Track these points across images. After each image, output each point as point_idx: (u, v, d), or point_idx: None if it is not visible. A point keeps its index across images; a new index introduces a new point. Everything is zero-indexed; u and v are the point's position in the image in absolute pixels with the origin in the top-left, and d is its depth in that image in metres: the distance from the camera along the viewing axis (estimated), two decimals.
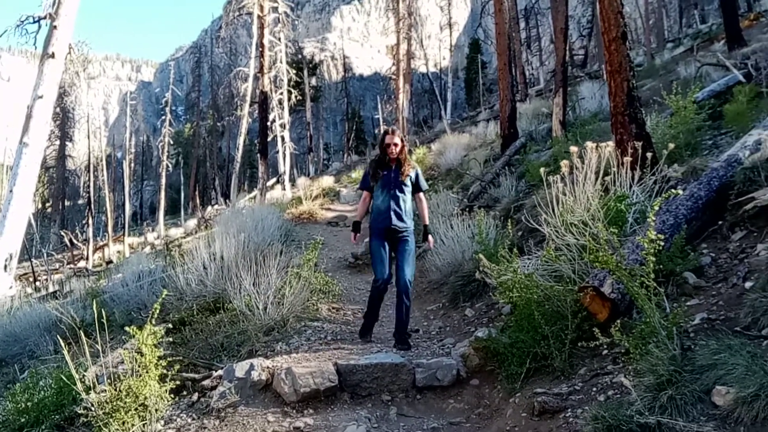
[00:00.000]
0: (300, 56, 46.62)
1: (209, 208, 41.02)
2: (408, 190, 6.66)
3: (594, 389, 4.39)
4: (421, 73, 56.93)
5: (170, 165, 49.78)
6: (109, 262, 30.33)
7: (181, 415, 5.16)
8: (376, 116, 43.52)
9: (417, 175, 6.77)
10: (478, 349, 5.67)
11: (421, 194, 6.88)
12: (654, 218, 4.25)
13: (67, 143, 59.42)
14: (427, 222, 6.98)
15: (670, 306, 4.52)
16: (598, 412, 3.82)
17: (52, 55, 13.59)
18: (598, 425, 3.74)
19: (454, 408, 5.17)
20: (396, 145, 6.62)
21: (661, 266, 4.90)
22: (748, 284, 4.67)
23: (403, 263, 6.42)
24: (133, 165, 62.44)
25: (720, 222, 5.86)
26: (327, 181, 31.52)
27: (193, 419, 5.03)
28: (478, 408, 5.11)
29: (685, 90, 9.61)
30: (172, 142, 50.42)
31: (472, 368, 5.62)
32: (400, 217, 6.54)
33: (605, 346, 4.64)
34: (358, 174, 32.70)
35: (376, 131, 45.12)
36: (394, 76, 37.08)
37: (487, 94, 53.34)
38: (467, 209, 10.87)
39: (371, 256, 6.61)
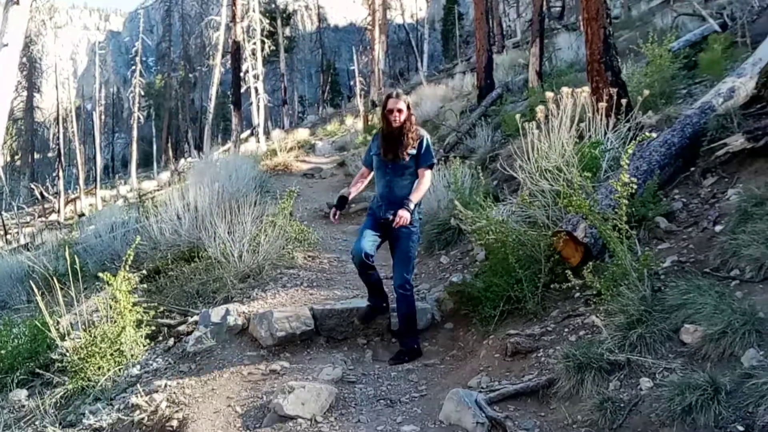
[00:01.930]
0: (273, 5, 45.59)
1: (182, 160, 40.51)
2: (410, 171, 5.15)
3: (566, 330, 4.47)
4: (397, 24, 56.16)
5: (142, 117, 48.90)
6: (81, 215, 29.96)
7: (157, 359, 5.17)
8: (352, 68, 42.91)
9: (423, 147, 5.15)
10: (452, 294, 5.74)
11: (426, 170, 5.17)
12: (627, 162, 4.27)
13: (34, 94, 57.95)
14: (413, 198, 5.08)
15: (641, 249, 4.59)
16: (569, 351, 3.90)
17: (17, 2, 13.13)
18: (569, 363, 3.82)
19: (429, 350, 5.25)
20: (400, 111, 5.06)
21: (633, 211, 4.96)
22: (718, 228, 4.75)
23: (397, 261, 5.17)
24: (103, 117, 61.24)
25: (692, 168, 5.92)
26: (302, 133, 31.20)
27: (170, 363, 5.05)
28: (452, 350, 5.19)
29: (661, 39, 9.59)
30: (143, 94, 49.42)
31: (446, 312, 5.69)
32: (395, 208, 5.02)
33: (577, 289, 4.72)
34: (333, 127, 32.45)
35: (352, 83, 44.64)
36: (369, 27, 36.51)
37: (464, 46, 52.82)
38: (443, 159, 10.85)
39: (359, 233, 5.36)
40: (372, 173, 5.46)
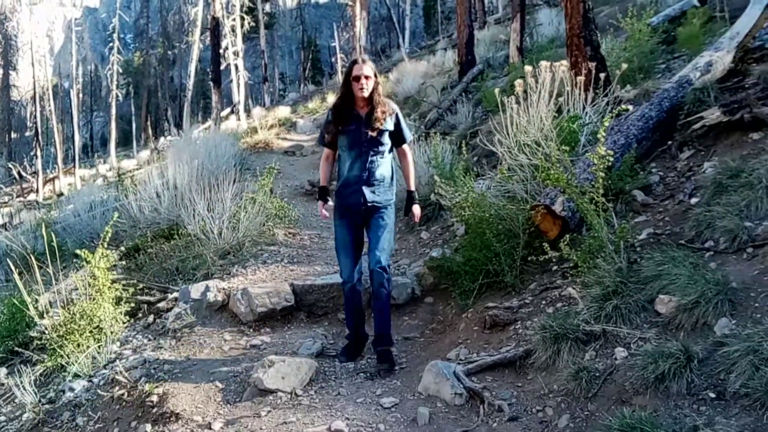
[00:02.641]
0: None
1: (162, 139, 40.11)
2: (386, 147, 4.63)
3: (543, 302, 4.52)
4: (379, 0, 55.71)
5: (120, 95, 48.26)
6: (60, 194, 29.66)
7: (137, 336, 5.17)
8: (333, 45, 42.55)
9: (398, 121, 4.70)
10: (432, 269, 5.77)
11: (405, 147, 4.82)
12: (604, 135, 4.30)
13: (10, 72, 57.03)
14: (413, 186, 4.90)
15: (618, 222, 4.63)
16: (546, 322, 3.95)
17: None
18: (546, 334, 3.87)
19: (409, 324, 5.29)
20: (368, 78, 4.49)
21: (611, 184, 5.00)
22: (693, 200, 4.80)
23: (374, 244, 4.55)
24: (81, 95, 60.31)
25: (670, 142, 5.96)
26: (283, 111, 30.91)
27: (150, 340, 5.05)
28: (432, 324, 5.24)
29: (641, 14, 9.61)
30: (121, 71, 48.75)
31: (426, 287, 5.72)
32: (375, 191, 4.59)
33: (554, 262, 4.76)
34: (314, 104, 32.17)
35: (333, 60, 44.28)
36: (350, 3, 36.12)
37: (445, 23, 52.52)
38: (424, 135, 10.84)
39: (335, 244, 4.75)
40: (334, 155, 4.82)
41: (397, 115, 4.71)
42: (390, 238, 4.65)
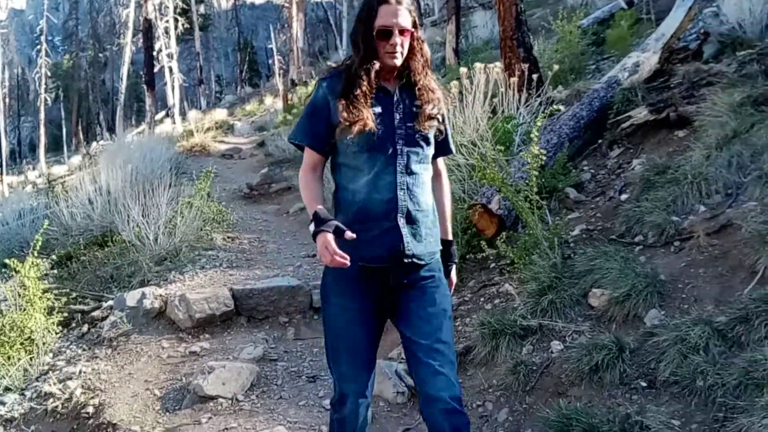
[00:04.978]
0: None
1: (94, 143, 39.00)
2: (431, 153, 2.54)
3: (482, 299, 4.60)
4: (316, 1, 55.55)
5: (49, 99, 46.78)
6: None
7: (71, 346, 5.01)
8: (270, 46, 42.18)
9: (446, 119, 2.63)
10: None
11: (441, 162, 2.73)
12: (538, 135, 4.40)
13: None
14: (450, 232, 2.74)
15: (552, 219, 4.76)
16: (484, 319, 4.03)
17: None
18: (485, 330, 3.94)
19: None
20: (405, 33, 2.40)
21: (544, 182, 5.12)
22: (623, 197, 4.96)
23: (428, 347, 2.38)
24: (8, 100, 58.13)
25: (600, 140, 6.15)
26: (220, 114, 30.50)
27: (84, 350, 4.91)
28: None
29: (571, 17, 9.88)
30: (50, 75, 47.23)
31: None
32: (419, 232, 2.45)
33: (492, 259, 4.86)
34: (252, 106, 31.81)
35: (270, 62, 43.81)
36: (287, 5, 35.93)
37: None
38: None
39: (329, 340, 2.56)
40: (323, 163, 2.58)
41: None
42: (452, 334, 2.51)
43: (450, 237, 2.70)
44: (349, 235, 2.24)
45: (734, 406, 2.76)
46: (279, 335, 5.15)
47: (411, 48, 2.44)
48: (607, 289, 3.80)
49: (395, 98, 2.46)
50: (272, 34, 39.34)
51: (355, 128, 2.34)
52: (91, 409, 4.02)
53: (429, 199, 2.50)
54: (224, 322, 5.19)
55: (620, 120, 5.98)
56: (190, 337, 5.00)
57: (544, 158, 4.36)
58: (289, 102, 22.61)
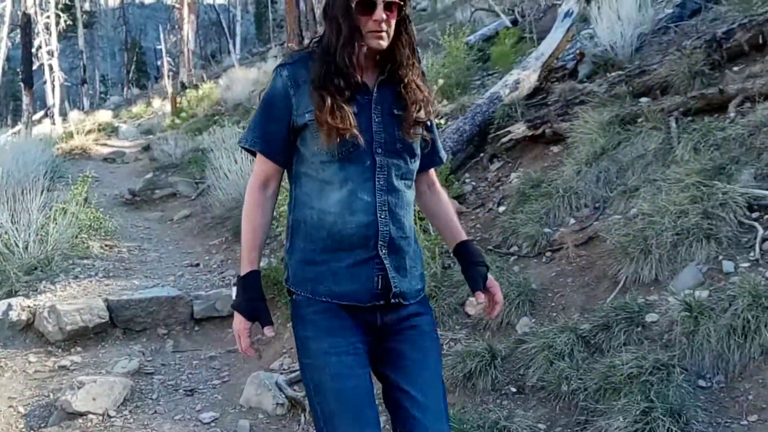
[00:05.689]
0: None
1: None
2: (417, 164, 1.96)
3: None
4: (208, 4, 54.44)
5: None
6: None
7: None
8: (159, 47, 40.87)
9: (433, 122, 2.05)
10: None
11: (433, 173, 2.17)
12: None
13: None
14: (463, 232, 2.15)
15: (433, 229, 4.87)
16: None
17: None
18: None
19: (232, 336, 5.20)
20: (393, 8, 1.80)
21: None
22: (501, 208, 5.17)
23: (419, 395, 1.87)
24: None
25: (482, 154, 6.36)
26: (104, 115, 29.27)
27: None
28: (257, 334, 5.18)
29: (458, 32, 10.16)
30: None
31: None
32: (403, 265, 1.91)
33: None
34: (139, 109, 30.70)
35: (159, 63, 42.41)
36: (178, 6, 35.01)
37: (277, 30, 52.25)
38: None
39: (324, 401, 1.82)
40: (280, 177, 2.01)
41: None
42: (442, 378, 2.04)
43: (465, 237, 2.12)
44: (268, 333, 1.91)
45: (595, 410, 2.92)
46: (157, 348, 4.99)
47: (397, 29, 1.85)
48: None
49: (374, 95, 1.89)
50: (162, 35, 38.17)
51: (333, 134, 1.77)
52: None
53: (412, 224, 1.98)
54: (98, 335, 4.98)
55: (500, 135, 6.21)
56: (60, 350, 4.77)
57: None
58: (178, 105, 22.02)
